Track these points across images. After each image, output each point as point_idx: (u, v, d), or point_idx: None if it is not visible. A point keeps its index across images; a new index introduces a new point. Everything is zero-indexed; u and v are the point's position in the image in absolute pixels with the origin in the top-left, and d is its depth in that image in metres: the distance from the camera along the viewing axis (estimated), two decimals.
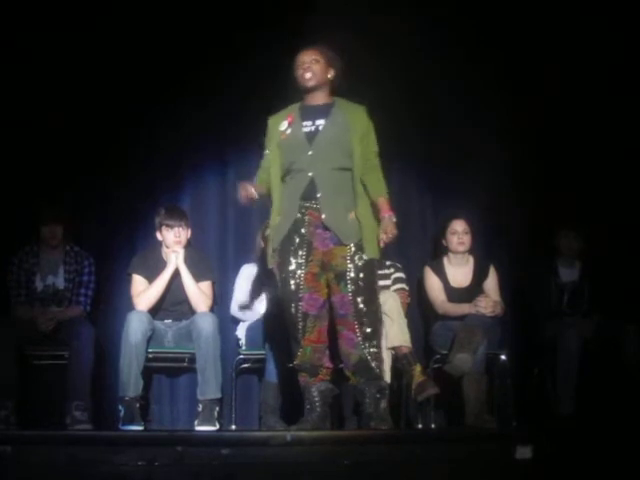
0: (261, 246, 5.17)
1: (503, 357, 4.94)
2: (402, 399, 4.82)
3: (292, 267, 3.97)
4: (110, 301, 5.31)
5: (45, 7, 5.23)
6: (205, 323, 4.62)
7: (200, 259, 4.97)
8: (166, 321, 4.86)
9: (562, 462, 3.42)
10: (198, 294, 4.80)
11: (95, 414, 4.65)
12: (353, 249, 3.94)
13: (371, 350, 3.95)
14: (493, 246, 5.53)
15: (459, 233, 5.09)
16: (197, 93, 5.46)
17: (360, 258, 3.94)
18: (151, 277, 4.81)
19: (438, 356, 4.93)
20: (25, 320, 4.76)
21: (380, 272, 4.59)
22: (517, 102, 5.45)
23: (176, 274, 4.82)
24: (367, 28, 5.12)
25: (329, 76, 4.10)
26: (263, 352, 4.82)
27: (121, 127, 5.39)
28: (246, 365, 5.04)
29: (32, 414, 4.71)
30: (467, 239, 5.10)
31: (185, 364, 4.85)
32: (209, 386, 4.57)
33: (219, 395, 4.62)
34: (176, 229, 4.83)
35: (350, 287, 3.93)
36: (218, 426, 4.58)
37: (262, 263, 5.14)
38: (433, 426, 4.88)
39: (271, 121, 4.19)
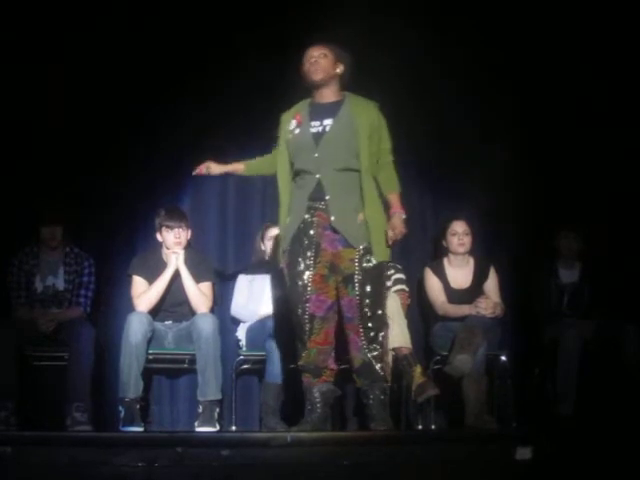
0: (261, 247, 5.18)
1: (503, 358, 4.94)
2: (402, 400, 4.82)
3: (300, 268, 3.96)
4: (110, 302, 5.31)
5: (45, 7, 5.22)
6: (205, 324, 4.62)
7: (200, 260, 4.97)
8: (166, 322, 4.86)
9: (562, 462, 3.43)
10: (198, 295, 4.80)
11: (95, 415, 4.64)
12: (361, 252, 3.92)
13: (374, 353, 3.94)
14: (493, 247, 5.53)
15: (459, 234, 5.09)
16: (197, 93, 5.46)
17: (368, 261, 3.92)
18: (151, 278, 4.81)
19: (438, 357, 4.93)
20: (25, 321, 4.76)
21: None
22: (517, 103, 5.46)
23: (176, 275, 4.82)
24: (367, 26, 5.11)
25: (338, 71, 4.06)
26: (263, 353, 4.81)
27: (121, 127, 5.38)
28: (246, 366, 5.04)
29: (32, 415, 4.71)
30: (467, 240, 5.10)
31: (185, 365, 4.85)
32: (209, 387, 4.56)
33: (219, 396, 4.62)
34: (176, 230, 4.83)
35: (357, 290, 3.92)
36: (218, 427, 4.58)
37: (261, 263, 5.18)
38: (433, 427, 4.88)
39: (283, 118, 4.17)
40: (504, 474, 3.40)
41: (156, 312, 4.81)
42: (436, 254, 5.30)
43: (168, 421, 5.30)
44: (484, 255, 5.29)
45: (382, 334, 3.99)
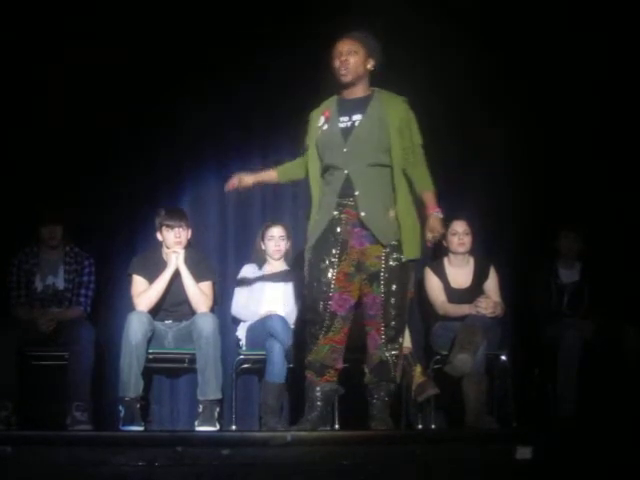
0: (261, 247, 5.18)
1: (503, 358, 4.94)
2: (402, 400, 4.82)
3: (324, 265, 3.92)
4: (110, 302, 5.31)
5: (46, 7, 5.23)
6: (205, 323, 4.62)
7: (200, 259, 4.97)
8: (166, 322, 4.86)
9: (562, 462, 3.43)
10: (198, 294, 4.80)
11: (95, 415, 4.65)
12: (388, 250, 3.90)
13: (392, 352, 3.94)
14: (493, 247, 5.52)
15: (460, 234, 5.09)
16: (198, 94, 5.46)
17: (395, 259, 3.90)
18: (151, 278, 4.81)
19: (438, 357, 4.93)
20: (25, 321, 4.76)
21: None
22: (518, 102, 5.46)
23: (176, 275, 4.82)
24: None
25: (368, 67, 4.00)
26: (263, 352, 4.81)
27: (121, 127, 5.38)
28: (246, 365, 5.04)
29: (32, 415, 4.70)
30: (468, 240, 5.10)
31: (185, 365, 4.85)
32: (209, 386, 4.57)
33: (219, 395, 4.62)
34: (176, 230, 4.83)
35: (382, 288, 3.90)
36: (218, 426, 4.58)
37: (261, 263, 5.19)
38: (433, 426, 4.88)
39: (312, 115, 4.11)
40: (504, 474, 3.40)
41: (156, 311, 4.81)
42: (436, 254, 5.30)
43: (168, 420, 5.30)
44: (484, 255, 5.28)
45: (401, 338, 3.99)
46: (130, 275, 4.85)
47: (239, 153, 5.60)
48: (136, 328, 4.56)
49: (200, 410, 4.55)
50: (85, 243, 5.16)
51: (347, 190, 3.92)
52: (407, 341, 4.65)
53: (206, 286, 4.87)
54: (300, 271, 4.34)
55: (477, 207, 5.46)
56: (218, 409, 4.60)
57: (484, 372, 4.67)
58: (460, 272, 5.12)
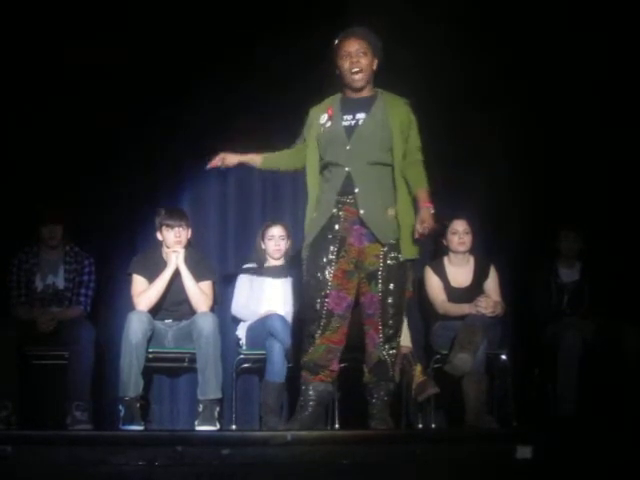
0: (261, 246, 5.17)
1: (503, 357, 4.95)
2: (402, 399, 4.82)
3: (322, 263, 3.91)
4: (110, 301, 5.31)
5: (46, 7, 5.23)
6: (205, 323, 4.62)
7: (200, 259, 4.97)
8: (166, 321, 4.87)
9: (562, 462, 3.42)
10: (198, 294, 4.81)
11: (95, 414, 4.65)
12: (386, 249, 3.90)
13: (390, 352, 3.94)
14: (493, 246, 5.52)
15: (460, 233, 5.09)
16: (198, 94, 5.46)
17: (393, 258, 3.90)
18: (151, 277, 4.81)
19: (438, 356, 4.93)
20: (25, 320, 4.76)
21: None
22: (519, 102, 5.46)
23: (176, 274, 4.82)
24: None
25: (374, 67, 4.01)
26: (263, 352, 4.81)
27: (121, 127, 5.38)
28: (246, 365, 5.05)
29: (32, 414, 4.71)
30: (468, 239, 5.10)
31: (185, 364, 4.85)
32: (209, 386, 4.57)
33: (219, 395, 4.62)
34: (176, 229, 4.83)
35: (380, 287, 3.90)
36: (218, 426, 4.58)
37: (261, 263, 5.19)
38: (433, 426, 4.88)
39: (312, 112, 4.11)
40: (504, 473, 3.40)
41: (156, 311, 4.81)
42: (436, 253, 5.30)
43: (168, 420, 5.30)
44: (484, 254, 5.28)
45: (399, 337, 3.99)
46: (130, 275, 4.85)
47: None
48: (136, 327, 4.56)
49: (200, 410, 4.55)
50: (85, 243, 5.16)
51: (347, 188, 3.92)
52: (407, 340, 4.66)
53: (206, 286, 4.87)
54: (298, 270, 4.35)
55: (477, 207, 5.45)
56: (218, 408, 4.60)
57: (484, 371, 4.67)
58: (460, 271, 5.12)
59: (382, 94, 4.05)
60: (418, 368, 4.63)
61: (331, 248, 3.92)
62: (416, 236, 3.89)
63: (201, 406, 4.56)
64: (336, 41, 4.01)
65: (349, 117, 3.99)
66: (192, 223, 5.00)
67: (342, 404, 4.70)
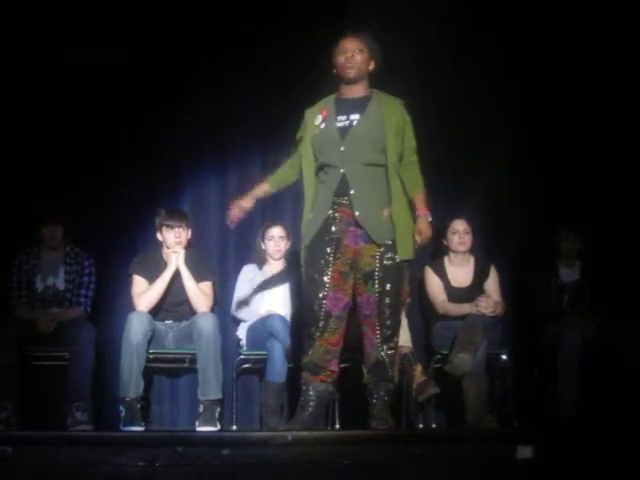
0: (261, 247, 5.17)
1: (504, 357, 4.95)
2: (403, 399, 4.82)
3: (319, 264, 3.92)
4: (111, 302, 5.31)
5: (46, 7, 5.23)
6: (206, 323, 4.62)
7: (201, 259, 4.97)
8: (167, 322, 4.87)
9: (563, 462, 3.43)
10: (199, 294, 4.81)
11: (96, 415, 4.65)
12: (382, 249, 3.91)
13: (388, 352, 3.95)
14: (493, 247, 5.52)
15: (460, 233, 5.09)
16: (197, 94, 5.46)
17: (389, 259, 3.91)
18: (152, 278, 4.81)
19: (439, 356, 4.93)
20: (26, 321, 4.76)
21: None
22: (519, 102, 5.46)
23: (177, 275, 4.82)
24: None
25: (370, 68, 4.03)
26: (264, 352, 4.82)
27: (121, 127, 5.38)
28: (247, 365, 5.04)
29: (33, 415, 4.71)
30: (468, 239, 5.10)
31: (186, 365, 4.85)
32: (210, 386, 4.57)
33: (220, 395, 4.62)
34: (176, 230, 4.83)
35: (377, 288, 3.90)
36: (219, 426, 4.58)
37: (261, 264, 5.19)
38: (434, 426, 4.88)
39: (307, 114, 4.12)
40: (504, 473, 3.40)
41: (156, 311, 4.81)
42: (436, 253, 5.30)
43: (169, 420, 5.30)
44: (484, 254, 5.28)
45: (396, 337, 3.99)
46: (130, 275, 4.85)
47: (239, 153, 5.60)
48: (136, 328, 4.56)
49: (201, 410, 4.55)
50: (85, 243, 5.16)
51: (342, 189, 3.93)
52: (407, 340, 4.66)
53: (206, 286, 4.87)
54: (296, 271, 4.35)
55: (477, 207, 5.46)
56: (219, 409, 4.60)
57: (484, 371, 4.67)
58: (460, 271, 5.12)
59: (377, 95, 4.06)
60: (418, 368, 4.63)
61: (328, 250, 3.93)
62: (415, 247, 3.94)
63: (201, 406, 4.56)
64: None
65: (343, 118, 4.00)
66: (192, 223, 5.00)
67: (342, 404, 4.69)
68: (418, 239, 3.92)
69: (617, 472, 3.41)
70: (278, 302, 5.06)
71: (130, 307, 4.80)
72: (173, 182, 5.52)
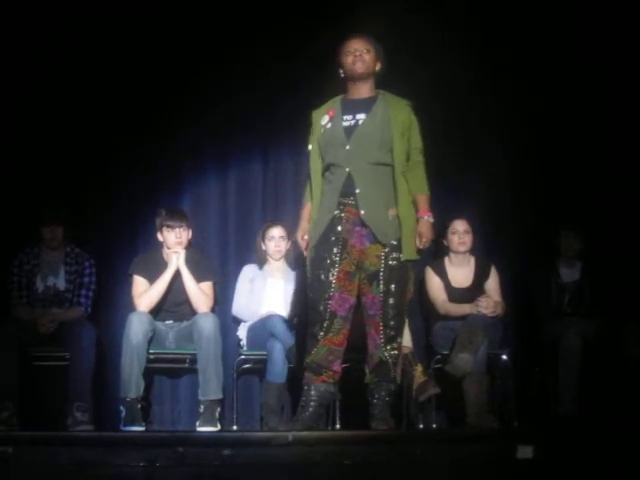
0: (262, 247, 5.17)
1: (504, 357, 4.95)
2: (403, 399, 4.82)
3: (325, 264, 3.92)
4: (111, 302, 5.31)
5: (47, 8, 5.23)
6: (206, 323, 4.62)
7: (201, 260, 4.97)
8: (167, 322, 4.87)
9: (563, 462, 3.43)
10: (199, 295, 4.81)
11: (96, 415, 4.65)
12: (387, 249, 3.91)
13: (392, 352, 3.95)
14: (494, 246, 5.52)
15: (460, 233, 5.09)
16: (198, 94, 5.46)
17: (394, 259, 3.91)
18: (152, 278, 4.81)
19: (439, 356, 4.93)
20: (26, 321, 4.76)
21: None
22: (520, 102, 5.46)
23: (177, 275, 4.82)
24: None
25: (376, 68, 4.07)
26: (264, 352, 4.82)
27: (121, 128, 5.38)
28: (247, 365, 5.04)
29: (33, 415, 4.70)
30: (468, 239, 5.10)
31: (186, 365, 4.85)
32: (210, 387, 4.57)
33: (220, 396, 4.62)
34: (177, 230, 4.84)
35: (382, 288, 3.91)
36: (219, 427, 4.58)
37: (261, 264, 5.19)
38: (434, 426, 4.88)
39: (314, 115, 4.13)
40: (505, 473, 3.40)
41: (157, 312, 4.81)
42: (437, 253, 5.30)
43: (169, 421, 5.29)
44: (484, 254, 5.28)
45: (400, 337, 3.99)
46: (131, 275, 4.86)
47: (239, 153, 5.60)
48: (137, 328, 4.56)
49: (201, 410, 4.56)
50: (85, 243, 5.16)
51: (348, 188, 3.93)
52: (408, 341, 4.65)
53: (207, 286, 4.87)
54: (301, 271, 4.33)
55: (477, 207, 5.46)
56: (219, 409, 4.60)
57: (485, 371, 4.67)
58: (461, 271, 5.12)
59: (384, 95, 4.08)
60: (419, 368, 4.63)
61: (334, 250, 3.93)
62: (416, 249, 3.94)
63: (202, 407, 4.56)
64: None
65: (349, 117, 4.01)
66: (192, 224, 5.00)
67: (343, 404, 4.69)
68: (419, 243, 3.93)
69: (617, 472, 3.40)
70: (278, 302, 5.06)
71: (130, 307, 4.81)
72: (173, 182, 5.52)
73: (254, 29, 5.42)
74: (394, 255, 3.92)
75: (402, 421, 4.81)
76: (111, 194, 5.38)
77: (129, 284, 4.88)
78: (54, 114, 5.32)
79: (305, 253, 4.08)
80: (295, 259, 5.08)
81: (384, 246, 3.92)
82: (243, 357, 5.01)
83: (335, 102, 4.10)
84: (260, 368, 4.96)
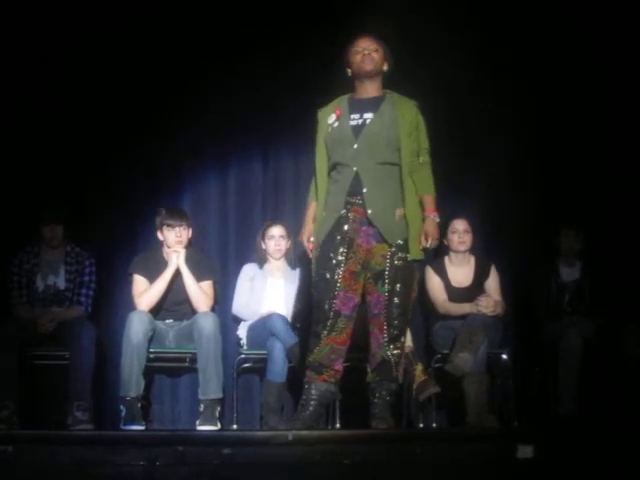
0: (262, 246, 5.18)
1: (504, 356, 4.95)
2: (403, 399, 4.82)
3: (331, 264, 3.92)
4: (111, 301, 5.31)
5: (48, 9, 5.23)
6: (206, 323, 4.62)
7: (201, 259, 4.97)
8: (167, 321, 4.87)
9: (563, 461, 3.42)
10: (199, 294, 4.81)
11: (96, 414, 4.65)
12: (394, 249, 3.91)
13: (394, 352, 3.95)
14: (494, 246, 5.52)
15: (460, 232, 5.10)
16: (198, 94, 5.46)
17: (400, 258, 3.91)
18: (152, 277, 4.82)
19: (439, 356, 4.94)
20: (26, 320, 4.76)
21: None
22: (520, 102, 5.46)
23: (177, 274, 4.82)
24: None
25: (384, 68, 4.08)
26: (264, 352, 4.82)
27: (122, 127, 5.38)
28: (247, 365, 5.05)
29: (33, 414, 4.70)
30: (468, 238, 5.10)
31: (186, 364, 4.86)
32: (210, 386, 4.57)
33: (220, 395, 4.62)
34: (177, 229, 4.84)
35: (387, 287, 3.91)
36: (219, 426, 4.58)
37: (261, 262, 5.19)
38: (434, 426, 4.88)
39: (320, 114, 4.13)
40: (505, 473, 3.40)
41: (157, 311, 4.82)
42: (437, 253, 5.30)
43: (169, 420, 5.30)
44: (484, 254, 5.28)
45: (403, 337, 3.99)
46: (131, 275, 4.86)
47: (239, 153, 5.60)
48: (137, 327, 4.56)
49: (201, 409, 4.56)
50: (85, 243, 5.16)
51: (355, 188, 3.93)
52: (408, 340, 4.64)
53: (207, 285, 4.87)
54: (303, 270, 4.32)
55: (477, 207, 5.46)
56: (219, 408, 4.61)
57: (485, 371, 4.67)
58: (461, 271, 5.12)
59: (391, 95, 4.09)
60: (419, 368, 4.63)
61: (340, 249, 3.93)
62: (419, 248, 3.93)
63: (202, 406, 4.56)
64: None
65: (356, 116, 4.01)
66: (193, 223, 5.00)
67: (343, 403, 4.70)
68: (424, 242, 3.91)
69: (617, 472, 3.40)
70: (279, 301, 5.06)
71: (131, 306, 4.81)
72: (173, 182, 5.53)
73: (254, 29, 5.42)
74: (400, 255, 3.92)
75: (402, 420, 4.81)
76: (111, 194, 5.38)
77: (129, 283, 4.88)
78: (54, 114, 5.33)
79: (310, 254, 4.07)
80: (297, 258, 5.08)
81: (390, 246, 3.92)
82: (243, 356, 5.01)
83: (342, 101, 4.10)
84: (260, 367, 4.96)
